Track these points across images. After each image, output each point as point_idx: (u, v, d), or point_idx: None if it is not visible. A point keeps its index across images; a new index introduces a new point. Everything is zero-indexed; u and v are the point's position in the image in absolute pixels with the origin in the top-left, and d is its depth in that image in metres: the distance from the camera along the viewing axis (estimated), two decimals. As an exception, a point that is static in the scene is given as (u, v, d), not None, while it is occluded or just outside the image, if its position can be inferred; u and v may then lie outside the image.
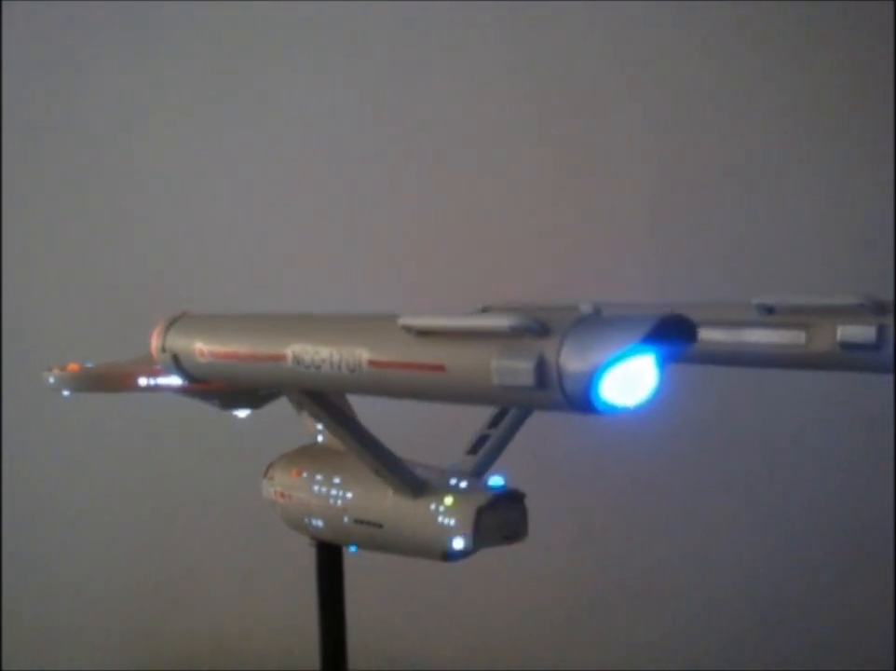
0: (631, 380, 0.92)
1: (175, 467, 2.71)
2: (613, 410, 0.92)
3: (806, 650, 2.56)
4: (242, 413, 1.75)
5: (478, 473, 1.43)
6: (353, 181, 2.63)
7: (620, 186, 2.56)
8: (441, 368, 1.00)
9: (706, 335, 1.38)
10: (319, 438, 1.57)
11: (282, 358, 1.17)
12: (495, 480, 1.37)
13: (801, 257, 2.48)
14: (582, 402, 0.90)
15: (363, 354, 1.07)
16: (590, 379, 0.89)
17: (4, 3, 2.66)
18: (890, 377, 1.28)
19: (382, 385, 1.09)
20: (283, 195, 2.67)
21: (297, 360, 1.15)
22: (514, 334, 0.93)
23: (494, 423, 1.47)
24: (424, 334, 1.02)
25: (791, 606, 2.61)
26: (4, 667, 2.68)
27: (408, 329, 1.03)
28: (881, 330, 1.23)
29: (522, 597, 2.68)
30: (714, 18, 2.51)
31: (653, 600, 2.67)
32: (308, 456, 1.56)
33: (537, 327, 0.92)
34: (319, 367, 1.12)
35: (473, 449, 1.45)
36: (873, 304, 1.24)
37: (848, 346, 1.25)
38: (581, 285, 2.28)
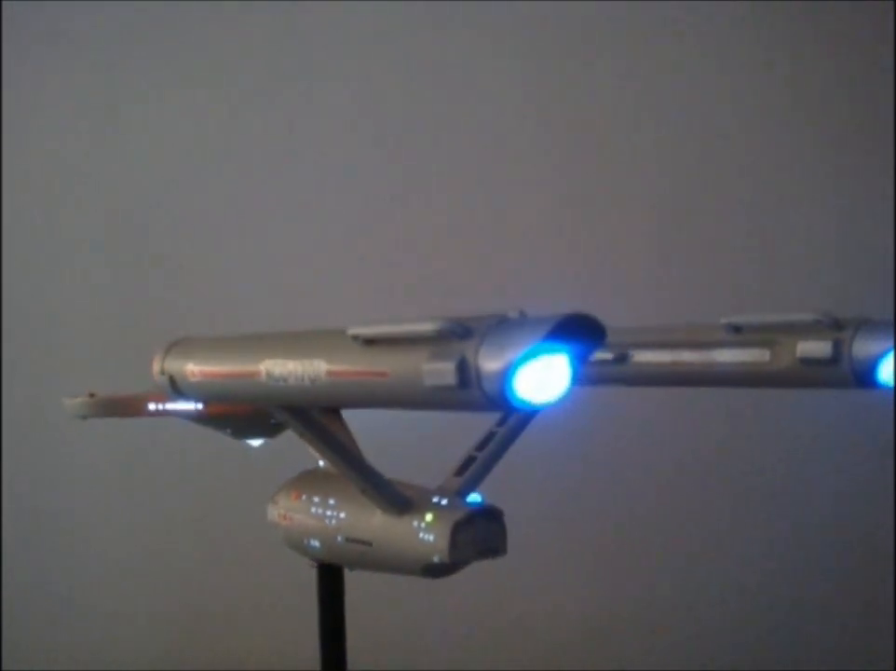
0: (545, 378, 0.97)
1: (202, 496, 2.84)
2: (528, 407, 0.97)
3: (806, 651, 2.59)
4: (256, 442, 1.83)
5: (463, 494, 1.48)
6: (358, 208, 2.79)
7: (621, 212, 2.64)
8: (384, 374, 1.06)
9: (679, 356, 1.43)
10: (321, 463, 1.64)
11: (257, 374, 1.24)
12: (473, 497, 1.42)
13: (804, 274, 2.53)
14: (499, 399, 0.96)
15: (321, 365, 1.14)
16: (505, 377, 0.95)
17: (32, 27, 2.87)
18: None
19: (339, 394, 1.16)
20: (293, 229, 2.83)
21: (269, 375, 1.22)
22: (441, 337, 1.00)
23: (481, 446, 1.52)
24: (370, 342, 1.08)
25: (790, 606, 2.64)
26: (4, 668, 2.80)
27: (356, 339, 1.09)
28: (837, 344, 1.26)
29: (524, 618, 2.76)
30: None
31: (653, 602, 2.72)
32: (309, 479, 1.62)
33: (460, 330, 0.98)
34: (286, 380, 1.19)
35: (460, 471, 1.49)
36: (829, 320, 1.27)
37: (807, 361, 1.28)
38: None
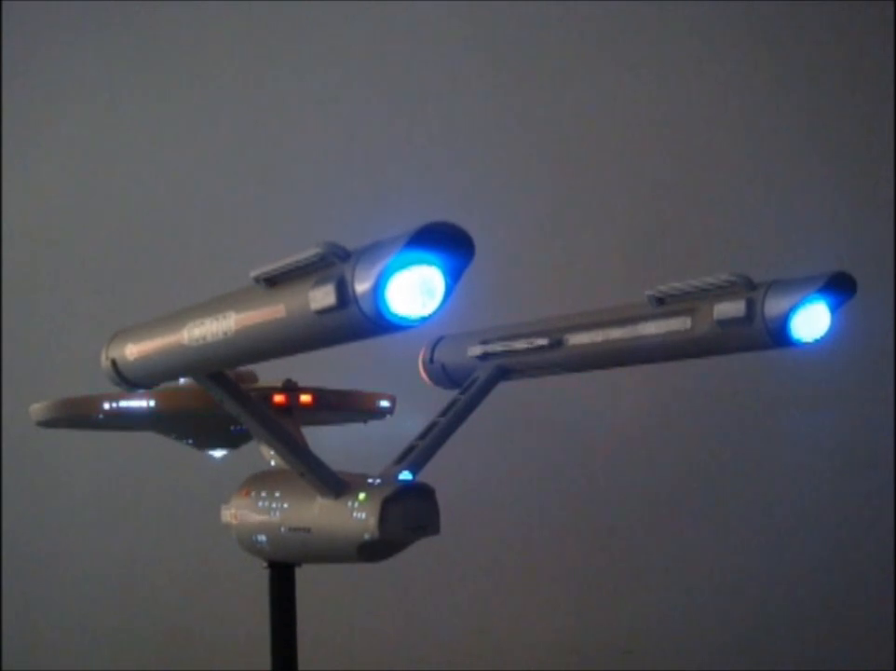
0: (422, 295, 0.99)
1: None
2: (405, 322, 0.99)
3: (806, 651, 2.56)
4: (218, 453, 1.85)
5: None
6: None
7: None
8: (280, 311, 1.09)
9: (609, 334, 1.44)
10: (273, 463, 1.65)
11: (182, 340, 1.27)
12: (404, 475, 1.43)
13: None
14: (376, 315, 0.98)
15: (231, 316, 1.17)
16: (376, 290, 0.97)
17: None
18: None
19: (249, 344, 1.18)
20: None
21: (191, 338, 1.25)
22: (325, 263, 1.03)
23: (422, 435, 1.53)
24: (271, 282, 1.11)
25: (790, 606, 2.61)
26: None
27: (258, 281, 1.12)
28: (750, 303, 1.26)
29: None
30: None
31: (650, 599, 2.72)
32: (260, 478, 1.64)
33: (341, 253, 1.01)
34: (205, 339, 1.22)
35: (400, 459, 1.50)
36: (744, 280, 1.27)
37: (723, 323, 1.29)
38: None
